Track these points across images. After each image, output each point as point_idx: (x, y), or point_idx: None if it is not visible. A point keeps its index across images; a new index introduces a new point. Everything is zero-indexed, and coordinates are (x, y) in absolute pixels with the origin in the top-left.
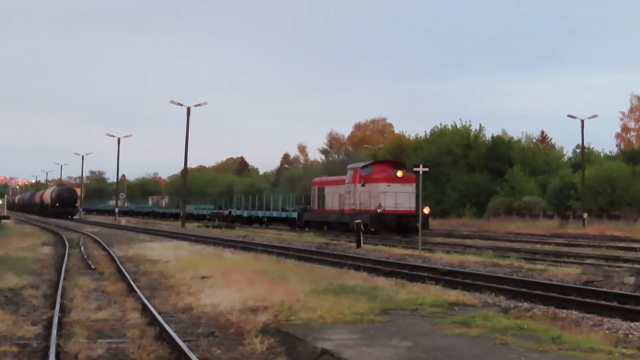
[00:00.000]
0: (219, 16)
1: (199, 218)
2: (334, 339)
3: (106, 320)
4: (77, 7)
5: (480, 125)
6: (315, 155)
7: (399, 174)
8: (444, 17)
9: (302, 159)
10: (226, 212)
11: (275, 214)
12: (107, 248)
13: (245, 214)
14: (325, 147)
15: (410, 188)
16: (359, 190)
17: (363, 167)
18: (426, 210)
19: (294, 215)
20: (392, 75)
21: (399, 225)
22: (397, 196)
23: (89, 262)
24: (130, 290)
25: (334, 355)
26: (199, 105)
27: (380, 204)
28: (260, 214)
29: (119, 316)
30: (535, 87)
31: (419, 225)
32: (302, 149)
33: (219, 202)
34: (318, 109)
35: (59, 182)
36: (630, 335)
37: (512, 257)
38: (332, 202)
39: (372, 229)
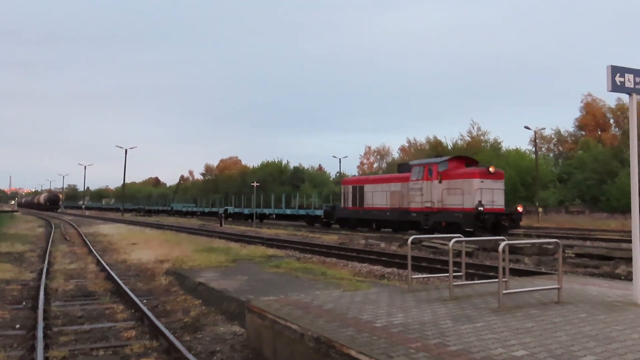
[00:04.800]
0: (150, 97)
1: (185, 214)
2: (205, 276)
3: (75, 269)
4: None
5: (287, 160)
6: (197, 177)
7: (492, 169)
8: (274, 101)
9: (190, 179)
10: (221, 210)
11: (289, 211)
12: (77, 228)
13: (246, 211)
14: (203, 172)
15: (502, 185)
16: (437, 187)
17: (439, 163)
18: (520, 209)
19: (318, 212)
20: (245, 132)
21: (495, 225)
22: (494, 193)
23: (66, 236)
24: (90, 251)
25: (205, 284)
26: (132, 148)
27: (479, 202)
28: (267, 211)
29: (83, 266)
30: (317, 140)
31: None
32: (190, 173)
33: (206, 202)
34: (201, 149)
35: (49, 191)
36: (361, 270)
37: (303, 230)
38: (382, 199)
39: (468, 229)
